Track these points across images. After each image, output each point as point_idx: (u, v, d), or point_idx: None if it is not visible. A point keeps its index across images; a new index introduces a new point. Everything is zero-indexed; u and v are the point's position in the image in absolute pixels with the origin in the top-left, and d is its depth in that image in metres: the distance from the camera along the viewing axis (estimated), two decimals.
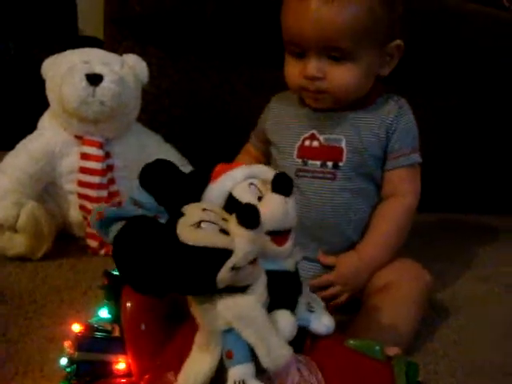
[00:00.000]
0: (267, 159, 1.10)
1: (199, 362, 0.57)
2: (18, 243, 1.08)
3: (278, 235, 0.61)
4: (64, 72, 1.13)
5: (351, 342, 0.66)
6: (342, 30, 0.90)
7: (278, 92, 1.10)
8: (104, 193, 1.14)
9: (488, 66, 1.59)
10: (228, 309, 0.55)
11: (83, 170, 1.14)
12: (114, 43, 1.49)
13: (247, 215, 0.54)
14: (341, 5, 0.89)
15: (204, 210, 0.56)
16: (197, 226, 0.54)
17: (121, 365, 0.65)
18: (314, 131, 0.99)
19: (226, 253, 0.53)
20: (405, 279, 0.93)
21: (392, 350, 0.67)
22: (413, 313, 0.90)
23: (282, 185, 0.62)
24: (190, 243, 0.52)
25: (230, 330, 0.56)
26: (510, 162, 1.69)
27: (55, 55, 1.22)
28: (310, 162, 0.98)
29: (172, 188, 0.60)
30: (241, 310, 0.56)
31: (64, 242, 1.16)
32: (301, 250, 0.68)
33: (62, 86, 1.12)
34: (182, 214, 0.55)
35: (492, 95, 1.65)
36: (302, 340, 0.64)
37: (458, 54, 1.55)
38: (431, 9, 1.46)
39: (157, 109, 1.39)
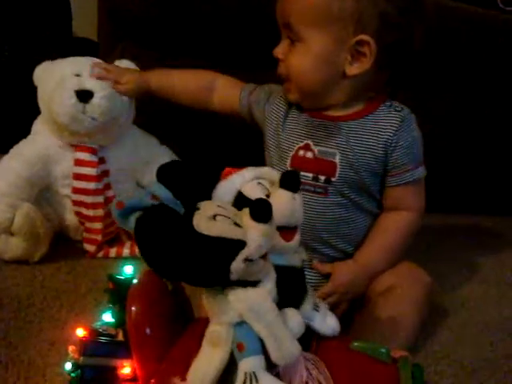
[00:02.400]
0: (223, 113, 1.12)
1: (209, 357, 0.58)
2: (14, 246, 1.07)
3: (286, 230, 0.63)
4: (54, 85, 1.11)
5: (356, 343, 0.67)
6: (293, 7, 0.89)
7: None
8: (100, 198, 1.13)
9: (484, 67, 1.60)
10: (240, 301, 0.57)
11: (78, 177, 1.13)
12: (109, 45, 1.49)
13: (260, 209, 0.56)
14: None
15: (218, 206, 0.59)
16: (212, 219, 0.56)
17: (126, 369, 0.65)
18: (309, 141, 0.95)
19: (240, 244, 0.55)
20: (406, 282, 0.92)
21: (399, 353, 0.67)
22: (415, 315, 0.90)
23: (290, 181, 0.64)
24: (206, 233, 0.55)
25: (241, 323, 0.57)
26: (510, 164, 1.69)
27: (47, 62, 1.19)
28: (302, 173, 0.94)
29: (187, 184, 0.62)
30: (253, 303, 0.57)
31: (61, 245, 1.15)
32: (305, 251, 0.69)
33: (51, 100, 1.10)
34: (197, 209, 0.58)
35: (490, 96, 1.65)
36: (309, 340, 0.65)
37: (455, 55, 1.55)
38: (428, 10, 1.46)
39: (153, 110, 1.38)
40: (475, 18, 1.58)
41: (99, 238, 1.14)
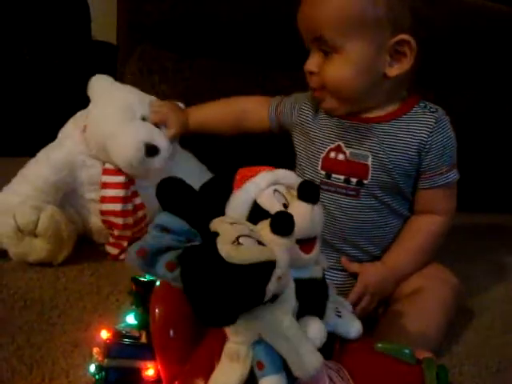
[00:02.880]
0: (260, 131, 1.11)
1: (229, 372, 0.57)
2: (38, 248, 1.08)
3: (306, 243, 0.62)
4: (117, 117, 1.10)
5: (380, 345, 0.67)
6: (325, 19, 0.87)
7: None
8: (129, 206, 1.12)
9: (504, 63, 1.58)
10: (259, 320, 0.56)
11: (105, 186, 1.12)
12: (128, 48, 1.49)
13: (282, 223, 0.54)
14: None
15: (232, 224, 0.56)
16: (237, 242, 0.53)
17: (150, 371, 0.65)
18: (341, 143, 0.95)
19: (271, 264, 0.53)
20: (433, 284, 0.92)
21: (423, 354, 0.66)
22: (441, 317, 0.89)
23: (308, 192, 0.62)
24: (237, 262, 0.52)
25: (260, 342, 0.56)
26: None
27: (104, 78, 1.18)
28: (333, 175, 0.94)
29: (194, 203, 0.59)
30: (271, 321, 0.56)
31: (84, 247, 1.15)
32: (325, 259, 0.69)
33: (114, 136, 1.08)
34: (216, 234, 0.55)
35: (508, 93, 1.64)
36: (331, 345, 0.65)
37: (472, 51, 1.54)
38: (447, 5, 1.44)
39: None
40: (498, 15, 1.57)
41: (125, 244, 1.14)
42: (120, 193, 1.11)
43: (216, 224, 0.57)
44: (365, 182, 0.93)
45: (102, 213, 1.12)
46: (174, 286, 0.55)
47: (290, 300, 0.58)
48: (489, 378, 0.86)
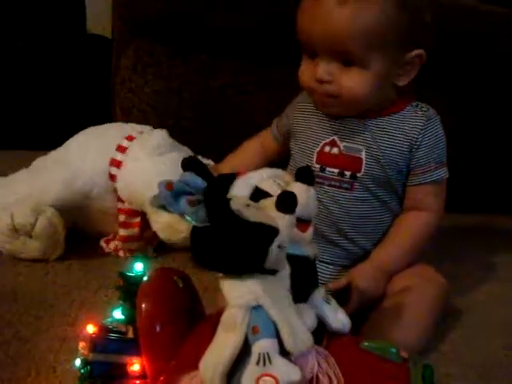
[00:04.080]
0: (281, 152, 1.10)
1: (223, 342, 0.58)
2: (31, 248, 1.07)
3: (302, 222, 0.64)
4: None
5: (366, 343, 0.66)
6: (353, 34, 0.87)
7: (288, 91, 1.08)
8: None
9: (504, 68, 1.58)
10: (258, 285, 0.58)
11: (123, 239, 1.13)
12: (123, 42, 1.49)
13: (287, 200, 0.59)
14: (354, 8, 0.86)
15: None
16: (247, 206, 0.59)
17: (135, 366, 0.65)
18: (335, 137, 0.97)
19: (275, 230, 0.57)
20: (420, 283, 0.92)
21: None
22: (428, 316, 0.90)
23: (305, 174, 0.66)
24: (251, 219, 0.57)
25: (257, 308, 0.58)
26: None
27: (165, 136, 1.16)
28: (328, 168, 0.96)
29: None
30: (270, 288, 0.58)
31: (73, 241, 1.14)
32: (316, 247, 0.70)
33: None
34: (228, 198, 0.61)
35: (503, 95, 1.64)
36: (320, 337, 0.65)
37: (475, 57, 1.54)
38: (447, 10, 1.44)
39: (166, 108, 1.39)
40: (498, 17, 1.56)
41: (121, 244, 1.14)
42: (136, 232, 1.13)
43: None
44: (358, 175, 0.95)
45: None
46: (188, 221, 0.60)
47: (286, 279, 0.61)
48: (475, 378, 0.86)
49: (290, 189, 0.64)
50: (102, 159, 1.12)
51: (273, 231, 0.57)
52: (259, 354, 0.56)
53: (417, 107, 0.98)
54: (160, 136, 1.13)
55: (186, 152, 1.18)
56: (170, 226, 1.05)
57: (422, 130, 0.95)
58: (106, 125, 1.23)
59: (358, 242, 0.98)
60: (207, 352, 0.58)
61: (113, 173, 1.11)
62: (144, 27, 1.39)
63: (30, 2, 1.73)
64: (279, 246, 0.57)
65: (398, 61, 0.92)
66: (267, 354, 0.56)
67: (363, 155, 0.95)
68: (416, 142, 0.95)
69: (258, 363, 0.56)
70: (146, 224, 1.12)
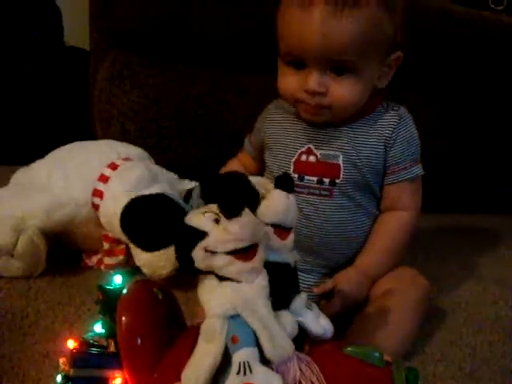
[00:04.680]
0: (261, 168, 1.08)
1: (203, 353, 0.58)
2: (14, 267, 1.05)
3: (282, 229, 0.65)
4: None
5: (349, 348, 0.66)
6: (350, 43, 0.86)
7: (267, 99, 1.08)
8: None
9: (477, 67, 1.59)
10: (235, 294, 0.58)
11: (108, 267, 1.11)
12: (100, 53, 1.49)
13: (226, 203, 0.59)
14: (349, 18, 0.85)
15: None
16: (201, 214, 0.61)
17: (118, 380, 0.65)
18: (311, 145, 0.96)
19: (201, 234, 0.59)
20: (403, 287, 0.92)
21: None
22: (411, 319, 0.90)
23: (284, 182, 0.66)
24: (186, 222, 0.61)
25: (235, 317, 0.58)
26: (504, 162, 1.69)
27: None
28: (306, 177, 0.96)
29: None
30: (247, 297, 0.59)
31: (55, 255, 1.13)
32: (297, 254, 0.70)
33: None
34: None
35: (484, 96, 1.65)
36: (301, 343, 0.65)
37: (447, 56, 1.55)
38: (417, 10, 1.46)
39: (145, 118, 1.39)
40: (469, 19, 1.58)
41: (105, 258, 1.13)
42: (121, 259, 1.11)
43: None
44: (337, 181, 0.95)
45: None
46: None
47: (265, 284, 0.60)
48: (462, 379, 0.86)
49: (269, 196, 0.65)
50: (84, 190, 1.10)
51: (196, 235, 0.59)
52: (239, 364, 0.56)
53: (388, 107, 0.98)
54: (139, 171, 1.11)
55: (168, 182, 1.17)
56: (151, 263, 1.04)
57: (395, 128, 0.95)
58: (89, 145, 1.20)
59: (339, 248, 0.97)
60: (188, 364, 0.58)
61: (96, 203, 1.09)
62: (120, 38, 1.39)
63: (6, 14, 1.72)
64: (208, 250, 0.59)
65: (382, 64, 0.93)
66: (247, 363, 0.56)
67: (340, 161, 0.94)
68: (390, 140, 0.95)
69: (238, 373, 0.56)
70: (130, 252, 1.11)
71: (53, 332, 0.90)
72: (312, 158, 0.96)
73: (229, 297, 0.58)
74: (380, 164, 0.96)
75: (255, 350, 0.58)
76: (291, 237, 0.66)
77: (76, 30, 1.80)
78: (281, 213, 0.64)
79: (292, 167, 0.97)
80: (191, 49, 1.41)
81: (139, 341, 0.64)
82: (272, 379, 0.57)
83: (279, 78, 0.95)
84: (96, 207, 1.10)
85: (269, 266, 0.62)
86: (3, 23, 1.71)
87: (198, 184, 0.71)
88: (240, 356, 0.57)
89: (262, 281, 0.60)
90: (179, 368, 0.59)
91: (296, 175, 0.96)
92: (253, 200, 0.64)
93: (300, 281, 0.83)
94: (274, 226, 0.64)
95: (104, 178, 1.11)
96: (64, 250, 1.16)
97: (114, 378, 0.64)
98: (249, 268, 0.59)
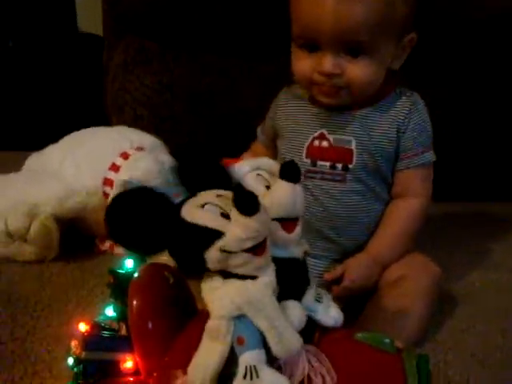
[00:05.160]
0: (273, 156, 1.06)
1: (209, 351, 0.57)
2: (27, 252, 1.07)
3: (287, 222, 0.62)
4: None
5: (360, 335, 0.66)
6: (364, 23, 0.86)
7: (279, 86, 1.07)
8: None
9: (492, 53, 1.57)
10: (239, 294, 0.56)
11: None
12: (113, 40, 1.49)
13: (244, 201, 0.55)
14: None
15: (218, 195, 0.59)
16: (200, 207, 0.57)
17: (128, 363, 0.65)
18: (324, 130, 0.96)
19: (216, 233, 0.55)
20: (415, 273, 0.92)
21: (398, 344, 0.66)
22: (422, 306, 0.89)
23: (290, 172, 0.63)
24: (188, 219, 0.56)
25: (240, 317, 0.57)
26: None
27: None
28: (319, 162, 0.96)
29: (194, 172, 0.64)
30: (252, 296, 0.57)
31: (69, 240, 1.14)
32: (307, 244, 0.68)
33: None
34: (194, 196, 0.59)
35: (496, 88, 1.63)
36: (311, 332, 0.64)
37: (463, 47, 1.53)
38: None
39: (158, 104, 1.39)
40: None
41: None
42: None
43: (203, 192, 0.60)
44: (350, 166, 0.95)
45: None
46: None
47: (270, 279, 0.58)
48: (473, 366, 0.86)
49: (274, 188, 0.63)
50: (95, 178, 1.11)
51: (211, 235, 0.55)
52: (246, 368, 0.55)
53: (401, 93, 0.98)
54: (146, 163, 1.10)
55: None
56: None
57: (408, 114, 0.95)
58: (102, 132, 1.21)
59: (350, 234, 0.97)
60: (194, 360, 0.58)
61: (107, 192, 1.10)
62: (134, 24, 1.39)
63: (20, 1, 1.73)
64: (224, 251, 0.55)
65: (397, 45, 0.93)
66: (254, 366, 0.55)
67: (353, 146, 0.94)
68: (403, 126, 0.95)
69: (245, 377, 0.55)
70: None
71: (65, 315, 0.91)
72: (325, 143, 0.96)
73: (233, 297, 0.56)
74: (392, 150, 0.95)
75: (262, 352, 0.57)
76: (298, 229, 0.64)
77: (89, 16, 1.80)
78: (287, 206, 0.62)
79: (305, 152, 0.97)
80: (204, 36, 1.41)
81: (150, 324, 0.64)
82: (279, 382, 0.56)
83: (293, 62, 0.95)
84: (106, 196, 1.10)
85: (276, 263, 0.60)
86: (17, 10, 1.71)
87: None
88: (246, 359, 0.56)
89: (267, 277, 0.58)
90: (190, 352, 0.59)
91: (309, 160, 0.96)
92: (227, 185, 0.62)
93: (310, 267, 0.83)
94: (279, 220, 0.62)
95: (115, 168, 1.11)
96: (78, 235, 1.17)
97: (125, 361, 0.65)
98: (264, 262, 0.57)
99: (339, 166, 0.95)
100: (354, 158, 0.94)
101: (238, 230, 0.55)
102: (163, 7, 1.35)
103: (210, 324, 0.58)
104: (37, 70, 1.26)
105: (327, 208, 0.96)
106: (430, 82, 1.53)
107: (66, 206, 1.09)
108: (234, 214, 0.55)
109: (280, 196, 0.62)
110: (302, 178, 0.92)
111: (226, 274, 0.57)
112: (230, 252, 0.55)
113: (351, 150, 0.94)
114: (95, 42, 1.72)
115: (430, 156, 0.98)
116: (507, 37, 1.53)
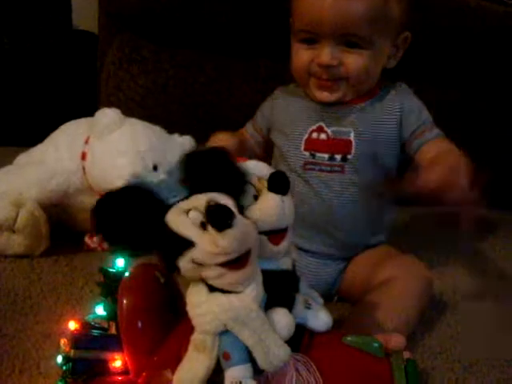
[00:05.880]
0: (260, 152, 1.09)
1: (195, 363, 0.57)
2: (16, 244, 1.06)
3: (275, 234, 0.61)
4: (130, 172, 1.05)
5: (349, 338, 0.66)
6: (363, 17, 0.90)
7: (275, 85, 1.09)
8: None
9: (490, 61, 1.58)
10: (224, 310, 0.55)
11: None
12: (108, 37, 1.48)
13: (215, 215, 0.53)
14: None
15: (209, 201, 0.56)
16: (184, 213, 0.55)
17: (117, 362, 0.65)
18: (322, 123, 0.98)
19: (185, 243, 0.54)
20: (406, 275, 0.92)
21: (395, 339, 0.66)
22: (413, 309, 0.90)
23: (278, 184, 0.61)
24: (168, 223, 0.55)
25: (226, 332, 0.56)
26: (508, 157, 1.67)
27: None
28: (317, 154, 0.97)
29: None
30: (237, 312, 0.55)
31: (59, 237, 1.14)
32: (295, 250, 0.69)
33: None
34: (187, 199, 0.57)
35: (494, 90, 1.64)
36: (300, 338, 0.64)
37: (459, 48, 1.54)
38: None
39: (153, 103, 1.39)
40: (479, 11, 1.56)
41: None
42: None
43: (198, 195, 0.58)
44: (349, 157, 0.96)
45: None
46: None
47: (256, 292, 0.57)
48: (461, 372, 0.86)
49: (261, 201, 0.61)
50: (73, 156, 1.11)
51: (184, 244, 0.54)
52: (231, 383, 0.55)
53: (389, 86, 1.01)
54: (103, 115, 1.10)
55: (139, 122, 1.15)
56: None
57: (400, 98, 0.98)
58: (82, 119, 1.20)
59: (349, 228, 0.98)
60: (180, 369, 0.57)
61: (84, 166, 1.10)
62: (129, 22, 1.39)
63: None
64: (195, 262, 0.54)
65: (393, 42, 0.96)
66: (240, 383, 0.55)
67: (352, 137, 0.96)
68: (400, 110, 0.97)
69: None
70: None
71: (55, 313, 0.90)
72: (323, 136, 0.97)
73: (218, 313, 0.55)
74: (394, 136, 0.97)
75: (248, 366, 0.56)
76: (286, 239, 0.62)
77: (84, 13, 1.78)
78: (274, 219, 0.60)
79: (303, 145, 0.98)
80: (199, 34, 1.41)
81: (140, 324, 0.64)
82: None
83: (293, 56, 0.98)
84: (84, 170, 1.10)
85: (264, 275, 0.59)
86: (12, 6, 1.70)
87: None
88: (232, 375, 0.55)
89: (253, 289, 0.56)
90: (179, 352, 0.59)
91: (307, 153, 0.98)
92: (239, 186, 0.60)
93: (305, 265, 0.84)
94: (266, 233, 0.60)
95: (88, 140, 1.11)
96: (67, 232, 1.16)
97: (114, 360, 0.65)
98: (242, 277, 0.55)
99: (338, 157, 0.96)
100: (353, 149, 0.96)
101: (207, 244, 0.53)
102: (159, 6, 1.35)
103: (196, 337, 0.57)
104: (31, 66, 1.25)
105: (324, 199, 0.96)
106: (429, 86, 1.54)
107: (48, 188, 1.09)
108: (209, 226, 0.54)
109: (267, 209, 0.60)
110: (301, 170, 0.96)
111: (211, 287, 0.56)
112: (201, 264, 0.54)
113: (350, 141, 0.96)
114: (90, 40, 1.71)
115: (439, 131, 0.98)
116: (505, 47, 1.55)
